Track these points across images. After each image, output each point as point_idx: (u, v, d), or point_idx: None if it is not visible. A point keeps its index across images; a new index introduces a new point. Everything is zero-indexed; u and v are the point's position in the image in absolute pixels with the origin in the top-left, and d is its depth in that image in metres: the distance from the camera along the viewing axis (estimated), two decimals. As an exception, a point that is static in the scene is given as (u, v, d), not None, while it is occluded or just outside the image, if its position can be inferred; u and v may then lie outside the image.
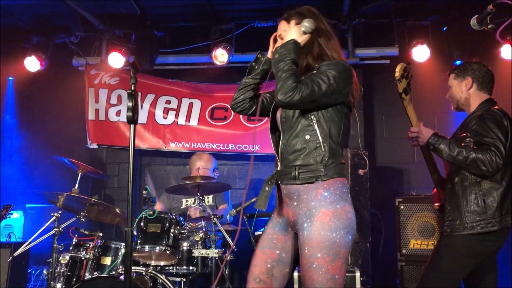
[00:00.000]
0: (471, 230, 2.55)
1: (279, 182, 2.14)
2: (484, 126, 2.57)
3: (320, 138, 2.02)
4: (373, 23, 4.70)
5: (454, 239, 2.61)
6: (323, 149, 2.02)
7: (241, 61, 4.93)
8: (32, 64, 4.79)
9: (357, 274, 3.40)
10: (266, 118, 4.82)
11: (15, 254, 3.32)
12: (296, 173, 2.03)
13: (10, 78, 5.32)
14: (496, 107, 2.69)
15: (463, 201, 2.60)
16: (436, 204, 2.85)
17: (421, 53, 4.43)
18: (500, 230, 2.53)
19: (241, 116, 4.99)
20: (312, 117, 2.04)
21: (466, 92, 2.78)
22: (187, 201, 4.39)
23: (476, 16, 2.20)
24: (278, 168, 2.15)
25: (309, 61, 2.14)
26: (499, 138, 2.51)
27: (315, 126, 2.04)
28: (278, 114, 2.19)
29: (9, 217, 4.46)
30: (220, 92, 5.09)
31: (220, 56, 4.63)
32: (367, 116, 5.00)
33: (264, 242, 2.18)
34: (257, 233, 3.83)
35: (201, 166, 4.24)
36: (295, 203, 2.05)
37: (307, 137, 2.04)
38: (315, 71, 2.07)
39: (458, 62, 4.76)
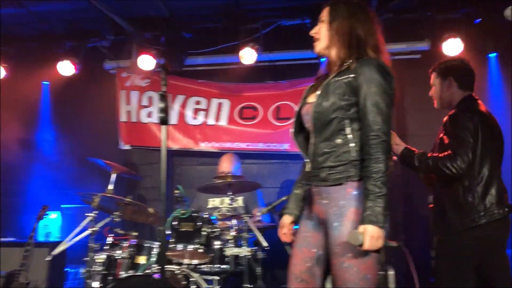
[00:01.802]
0: (459, 229, 2.63)
1: (309, 183, 2.15)
2: (453, 128, 2.68)
3: (351, 141, 2.00)
4: (402, 17, 4.62)
5: (445, 243, 2.72)
6: (353, 151, 1.99)
7: (269, 60, 4.95)
8: (66, 68, 4.90)
9: (391, 273, 3.35)
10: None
11: (54, 253, 3.41)
12: (326, 174, 2.02)
13: (46, 82, 5.48)
14: (474, 105, 2.75)
15: (447, 203, 2.70)
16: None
17: (453, 46, 4.31)
18: (486, 223, 2.57)
19: (269, 114, 5.01)
20: (345, 121, 2.02)
21: (447, 91, 2.83)
22: (213, 200, 4.44)
23: (510, 6, 2.14)
24: (307, 169, 2.15)
25: (343, 52, 2.08)
26: (464, 140, 2.59)
27: (347, 130, 2.01)
28: (306, 116, 2.17)
29: (47, 217, 4.62)
30: (249, 92, 5.12)
31: (248, 55, 4.65)
32: (399, 112, 4.92)
33: (300, 241, 2.19)
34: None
35: (221, 170, 4.31)
36: (325, 201, 2.05)
37: (338, 140, 2.02)
38: (350, 76, 2.01)
39: (492, 55, 4.63)
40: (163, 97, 2.11)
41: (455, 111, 2.74)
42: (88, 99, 5.35)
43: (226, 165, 4.40)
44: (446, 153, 2.62)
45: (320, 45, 2.17)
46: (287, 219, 2.34)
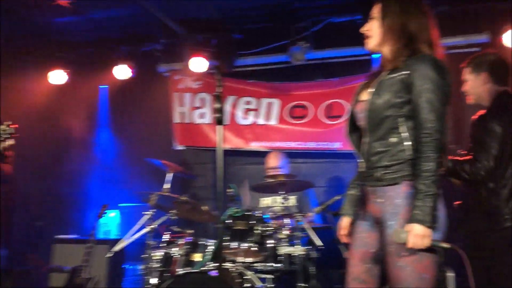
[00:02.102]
0: (483, 230, 2.62)
1: (364, 183, 2.12)
2: (479, 130, 2.65)
3: (407, 140, 1.96)
4: (459, 9, 4.44)
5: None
6: (408, 150, 1.95)
7: (319, 57, 4.91)
8: (122, 72, 5.10)
9: (450, 274, 3.23)
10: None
11: (115, 249, 3.53)
12: (381, 174, 1.99)
13: (103, 86, 5.72)
14: (509, 103, 2.66)
15: (472, 204, 2.68)
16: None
17: (514, 38, 4.11)
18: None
19: (320, 113, 4.97)
20: (399, 119, 1.98)
21: (482, 86, 2.73)
22: (265, 200, 4.45)
23: None
24: (361, 169, 2.12)
25: (395, 49, 2.05)
26: (487, 146, 2.56)
27: (401, 129, 1.97)
28: (359, 114, 2.15)
29: (106, 215, 4.81)
30: (299, 90, 5.10)
31: (297, 54, 4.64)
32: (456, 109, 4.73)
33: (356, 242, 2.16)
34: (342, 231, 3.79)
35: (269, 166, 4.32)
36: (379, 200, 2.02)
37: (393, 139, 1.98)
38: (404, 73, 1.97)
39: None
40: (218, 98, 2.15)
41: (486, 112, 2.69)
42: (143, 102, 5.52)
43: (273, 161, 4.41)
44: (467, 157, 2.60)
45: (372, 42, 2.14)
46: (345, 221, 2.31)
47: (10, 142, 2.61)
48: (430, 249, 1.87)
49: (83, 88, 5.65)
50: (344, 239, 2.32)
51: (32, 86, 5.51)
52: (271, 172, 4.30)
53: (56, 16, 4.75)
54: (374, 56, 4.39)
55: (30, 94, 5.55)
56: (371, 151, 2.04)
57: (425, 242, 1.84)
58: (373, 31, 2.13)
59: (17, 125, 2.64)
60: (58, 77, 5.22)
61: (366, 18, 2.19)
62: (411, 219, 1.86)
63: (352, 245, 2.17)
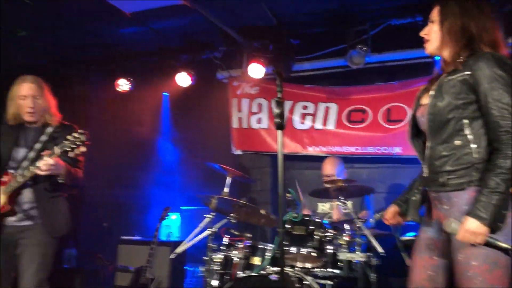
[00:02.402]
0: None
1: (427, 188, 2.07)
2: None
3: (472, 142, 1.90)
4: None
5: None
6: (474, 154, 1.89)
7: (378, 61, 4.82)
8: (183, 79, 5.26)
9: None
10: (407, 119, 4.60)
11: (177, 251, 3.64)
12: (445, 179, 1.94)
13: (165, 93, 5.93)
14: None
15: None
16: None
17: None
18: None
19: (379, 117, 4.87)
20: (464, 121, 1.92)
21: None
22: (323, 205, 4.42)
23: None
24: (425, 175, 2.07)
25: (455, 51, 2.00)
26: None
27: (466, 131, 1.92)
28: (421, 118, 2.11)
29: (168, 218, 4.97)
30: (357, 94, 5.03)
31: (356, 58, 4.58)
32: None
33: (420, 248, 2.12)
34: (403, 238, 3.69)
35: (327, 173, 4.28)
36: (445, 207, 1.96)
37: (457, 142, 1.93)
38: (465, 73, 1.92)
39: None
40: (278, 103, 2.16)
41: None
42: (203, 108, 5.66)
43: (330, 168, 4.37)
44: None
45: (431, 46, 2.11)
46: (393, 208, 2.33)
47: (83, 149, 2.75)
48: (500, 258, 1.80)
49: (147, 95, 5.88)
50: (387, 220, 2.34)
51: (100, 94, 5.81)
52: (327, 179, 4.27)
53: (120, 27, 4.99)
54: (436, 58, 4.27)
55: (98, 102, 5.85)
56: (434, 155, 2.00)
57: (477, 239, 1.79)
58: (432, 35, 2.10)
59: (88, 133, 2.78)
60: (123, 85, 5.46)
61: (426, 20, 2.15)
62: (469, 212, 1.82)
63: (415, 251, 2.13)
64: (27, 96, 2.98)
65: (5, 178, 2.92)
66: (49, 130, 3.04)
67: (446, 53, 2.05)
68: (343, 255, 3.30)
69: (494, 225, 1.79)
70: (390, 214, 2.33)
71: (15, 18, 4.55)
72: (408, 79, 4.82)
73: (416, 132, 2.18)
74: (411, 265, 2.13)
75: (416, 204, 2.23)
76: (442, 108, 1.95)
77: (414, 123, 2.18)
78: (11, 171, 2.93)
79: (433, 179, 2.00)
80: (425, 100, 2.08)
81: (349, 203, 4.30)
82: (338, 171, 4.35)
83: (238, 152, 5.47)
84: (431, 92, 2.02)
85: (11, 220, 2.92)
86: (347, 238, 3.33)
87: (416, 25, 4.36)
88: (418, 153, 2.17)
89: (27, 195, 2.93)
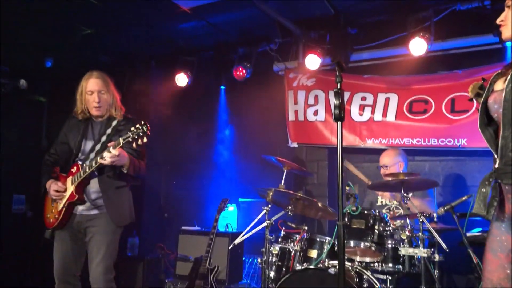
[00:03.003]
0: None
1: (499, 180, 1.96)
2: None
3: None
4: None
5: None
6: None
7: (442, 48, 4.61)
8: (239, 73, 5.30)
9: None
10: (473, 109, 4.39)
11: (236, 242, 3.69)
12: None
13: (222, 87, 6.01)
14: None
15: None
16: None
17: None
18: None
19: (443, 107, 4.66)
20: None
21: None
22: (382, 198, 4.31)
23: None
24: (497, 166, 1.96)
25: None
26: None
27: None
28: (494, 105, 1.99)
29: (226, 210, 5.05)
30: (419, 84, 4.83)
31: (418, 46, 4.40)
32: None
33: (493, 245, 2.02)
34: (469, 234, 3.53)
35: (384, 163, 4.14)
36: None
37: None
38: None
39: None
40: (337, 94, 2.13)
41: None
42: (259, 101, 5.69)
43: (387, 159, 4.23)
44: None
45: (508, 32, 2.00)
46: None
47: (145, 139, 2.84)
48: None
49: (205, 89, 5.99)
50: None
51: (161, 89, 5.98)
52: (384, 171, 4.14)
53: (179, 23, 5.10)
54: (507, 44, 4.01)
55: (159, 97, 6.03)
56: (507, 145, 1.90)
57: None
58: (509, 20, 2.00)
59: (149, 125, 2.86)
60: (182, 79, 5.59)
61: (496, 4, 2.04)
62: None
63: (488, 249, 2.03)
64: (93, 91, 3.12)
65: (73, 169, 3.08)
66: (114, 123, 3.18)
67: None
68: (405, 250, 3.20)
69: None
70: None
71: (81, 17, 4.79)
72: (473, 67, 4.57)
73: (487, 121, 2.06)
74: (484, 264, 2.04)
75: (484, 196, 2.12)
76: None
77: (486, 110, 2.05)
78: (80, 162, 3.09)
79: (505, 171, 1.91)
80: (500, 85, 1.98)
81: (414, 198, 4.16)
82: (396, 161, 4.20)
83: (294, 144, 5.43)
84: (508, 77, 1.91)
85: (80, 209, 3.09)
86: (408, 233, 3.22)
87: (483, 9, 4.11)
88: (488, 143, 2.05)
89: (94, 185, 3.08)
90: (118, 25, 5.04)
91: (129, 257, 5.12)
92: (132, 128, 2.82)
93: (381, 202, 4.32)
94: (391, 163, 4.18)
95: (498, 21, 2.04)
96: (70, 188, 3.05)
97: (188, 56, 5.67)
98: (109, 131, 3.15)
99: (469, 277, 3.65)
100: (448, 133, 4.60)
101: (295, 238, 3.58)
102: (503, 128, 1.93)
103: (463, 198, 3.18)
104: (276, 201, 3.82)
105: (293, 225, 3.76)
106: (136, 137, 2.80)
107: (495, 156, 2.00)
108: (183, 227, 5.20)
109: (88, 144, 3.16)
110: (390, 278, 3.37)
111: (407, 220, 3.37)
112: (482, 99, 2.08)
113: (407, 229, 3.25)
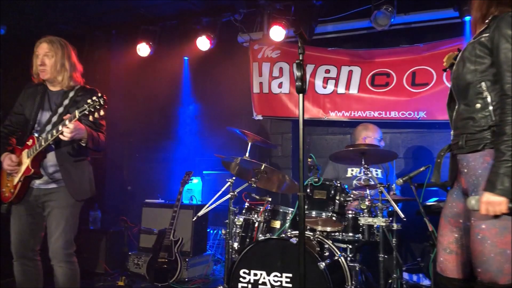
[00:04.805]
0: None
1: (452, 151, 2.08)
2: None
3: (491, 105, 1.88)
4: None
5: None
6: (493, 116, 1.87)
7: (404, 22, 4.66)
8: (203, 43, 5.20)
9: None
10: (433, 83, 4.51)
11: (199, 214, 3.69)
12: (464, 141, 1.95)
13: (185, 58, 5.88)
14: None
15: None
16: None
17: None
18: None
19: (404, 80, 4.74)
20: (482, 84, 1.91)
21: None
22: (352, 170, 4.38)
23: None
24: (451, 138, 2.09)
25: (480, 11, 2.00)
26: None
27: (485, 93, 1.90)
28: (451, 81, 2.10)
29: (191, 182, 5.03)
30: (382, 57, 4.88)
31: (381, 19, 4.42)
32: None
33: (446, 211, 2.15)
34: (426, 203, 3.66)
35: (367, 135, 4.18)
36: (465, 170, 1.97)
37: (478, 105, 1.92)
38: (485, 35, 1.89)
39: None
40: (299, 66, 2.11)
41: None
42: (223, 72, 5.62)
43: (372, 132, 4.23)
44: None
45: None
46: None
47: (102, 112, 2.76)
48: (510, 224, 1.81)
49: (168, 59, 5.85)
50: None
51: (122, 59, 5.80)
52: (366, 142, 4.17)
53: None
54: (466, 19, 4.08)
55: (119, 66, 5.86)
56: (458, 118, 2.01)
57: (497, 210, 1.78)
58: None
59: (106, 97, 2.77)
60: (144, 49, 5.44)
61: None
62: (485, 186, 1.83)
63: (442, 215, 2.16)
64: (39, 54, 3.02)
65: (29, 142, 2.97)
66: (71, 94, 3.07)
67: (475, 13, 2.05)
68: (364, 220, 3.29)
69: (505, 194, 1.76)
70: None
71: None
72: (434, 41, 4.65)
73: (450, 100, 2.15)
74: (438, 228, 2.16)
75: (439, 166, 2.23)
76: (461, 72, 1.96)
77: (451, 90, 2.15)
78: (36, 134, 2.98)
79: (455, 141, 2.02)
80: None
81: (379, 171, 4.26)
82: (379, 137, 4.24)
83: (259, 117, 5.42)
84: (459, 54, 2.03)
85: (37, 183, 3.00)
86: (368, 203, 3.31)
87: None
88: (450, 120, 2.15)
89: (51, 158, 2.98)
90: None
91: (92, 231, 5.06)
92: (89, 101, 2.73)
93: (351, 173, 4.39)
94: (375, 135, 4.23)
95: None
96: (26, 161, 2.95)
97: (150, 25, 5.51)
98: (66, 102, 3.04)
99: (424, 245, 3.79)
100: (408, 106, 4.70)
101: (258, 209, 3.60)
102: (457, 105, 2.04)
103: (421, 169, 3.26)
104: (241, 173, 3.83)
105: (257, 197, 3.78)
106: (92, 109, 2.72)
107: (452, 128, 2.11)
108: (147, 200, 5.17)
109: (45, 115, 3.04)
110: (350, 246, 3.48)
111: (368, 190, 3.45)
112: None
113: (366, 200, 3.33)
